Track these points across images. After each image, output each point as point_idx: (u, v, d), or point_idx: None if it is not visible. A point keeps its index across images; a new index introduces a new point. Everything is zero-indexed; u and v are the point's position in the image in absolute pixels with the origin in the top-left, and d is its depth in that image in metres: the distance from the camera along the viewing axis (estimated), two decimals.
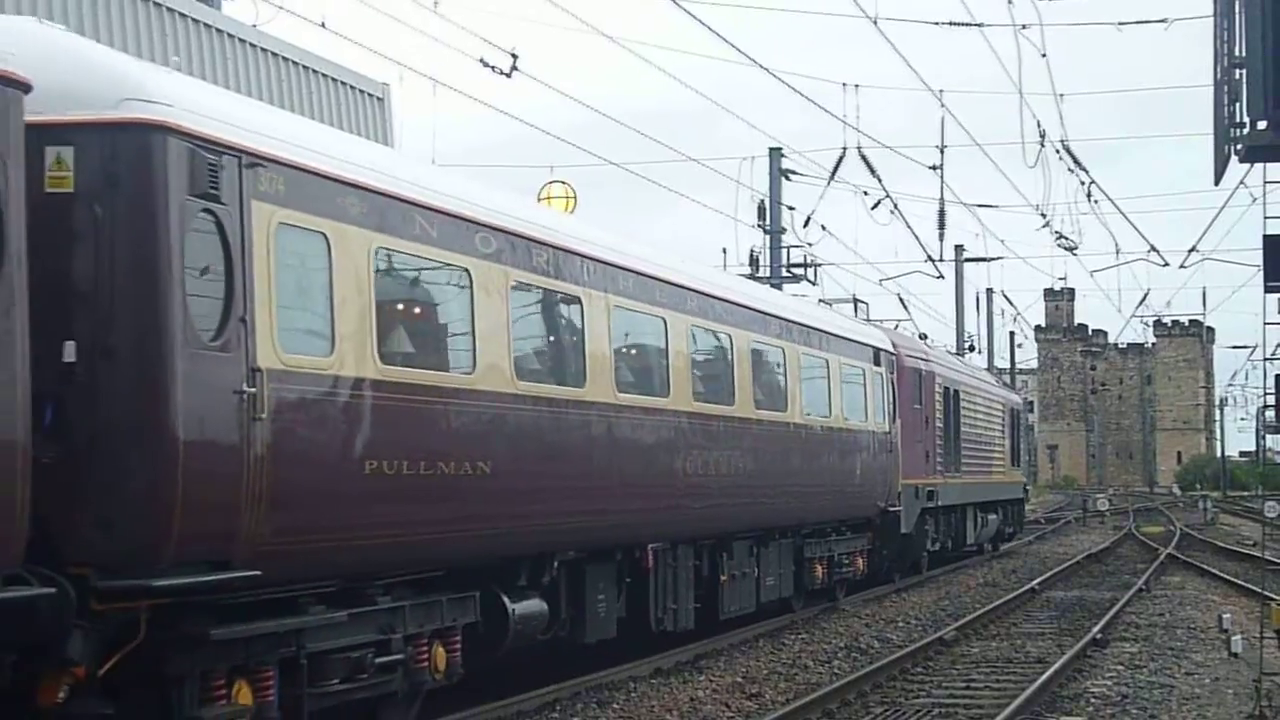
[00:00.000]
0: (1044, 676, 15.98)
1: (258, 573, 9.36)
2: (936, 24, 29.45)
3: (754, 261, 37.20)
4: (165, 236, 8.86)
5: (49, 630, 8.23)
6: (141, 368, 8.74)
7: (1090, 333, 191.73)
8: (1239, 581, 28.84)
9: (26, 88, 8.03)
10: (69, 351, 8.51)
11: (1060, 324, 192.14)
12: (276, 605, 10.09)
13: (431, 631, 11.98)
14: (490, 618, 12.91)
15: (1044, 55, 30.15)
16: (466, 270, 12.14)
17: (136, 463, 8.66)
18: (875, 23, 25.07)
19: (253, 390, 9.37)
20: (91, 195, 8.64)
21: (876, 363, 25.56)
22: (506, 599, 13.09)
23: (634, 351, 15.72)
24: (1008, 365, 77.90)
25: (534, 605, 13.56)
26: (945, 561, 33.58)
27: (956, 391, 33.63)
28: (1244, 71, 12.14)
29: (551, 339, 14.05)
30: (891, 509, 26.06)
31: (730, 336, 18.28)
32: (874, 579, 27.05)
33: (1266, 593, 21.20)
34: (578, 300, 14.19)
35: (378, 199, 10.94)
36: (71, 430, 8.48)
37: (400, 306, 11.52)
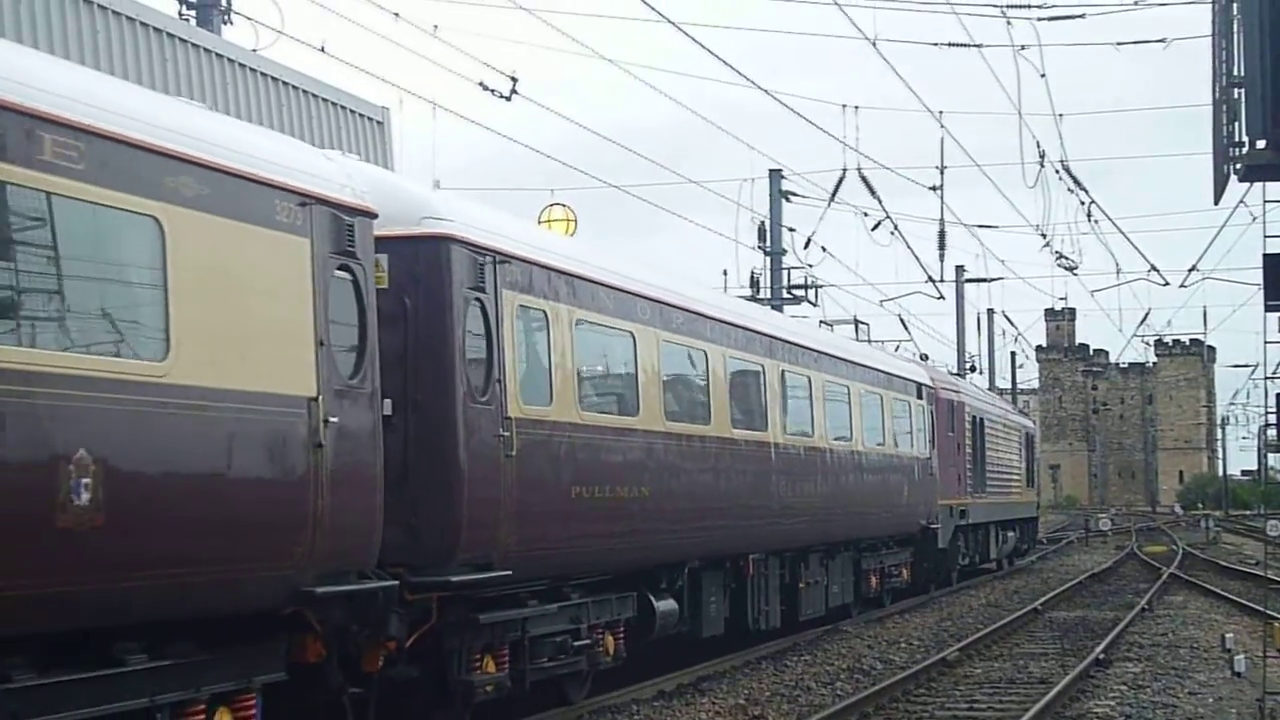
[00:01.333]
0: (1047, 697, 16.13)
1: (509, 572, 12.59)
2: (935, 45, 29.24)
3: (755, 283, 37.59)
4: (452, 319, 12.10)
5: (380, 613, 11.37)
6: (437, 417, 11.94)
7: (1091, 352, 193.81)
8: (1242, 601, 29.23)
9: (375, 215, 11.23)
10: (388, 407, 11.65)
11: (1061, 344, 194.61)
12: (504, 600, 13.28)
13: (605, 623, 15.24)
14: (640, 614, 16.16)
15: (1043, 75, 29.92)
16: (631, 334, 15.44)
17: (436, 489, 11.85)
18: (874, 44, 25.16)
19: (506, 434, 12.60)
20: (401, 289, 11.82)
21: (919, 396, 29.00)
22: (653, 599, 16.35)
23: (741, 393, 19.00)
24: (1009, 386, 79.19)
25: (670, 605, 16.82)
26: (969, 575, 36.89)
27: (982, 420, 37.09)
28: (1243, 91, 12.28)
29: (686, 386, 17.32)
30: (931, 526, 29.50)
31: (810, 379, 21.63)
32: (915, 589, 30.35)
33: (1269, 612, 21.52)
34: (704, 353, 17.50)
35: (577, 281, 14.26)
36: (390, 465, 11.63)
37: (589, 363, 14.76)
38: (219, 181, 9.51)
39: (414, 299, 11.83)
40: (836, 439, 22.78)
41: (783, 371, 20.33)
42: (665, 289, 16.71)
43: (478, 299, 12.43)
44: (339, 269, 10.67)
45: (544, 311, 13.60)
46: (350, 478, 10.55)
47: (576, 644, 14.51)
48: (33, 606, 8.16)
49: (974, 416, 36.06)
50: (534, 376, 13.36)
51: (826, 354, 22.91)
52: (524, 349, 13.22)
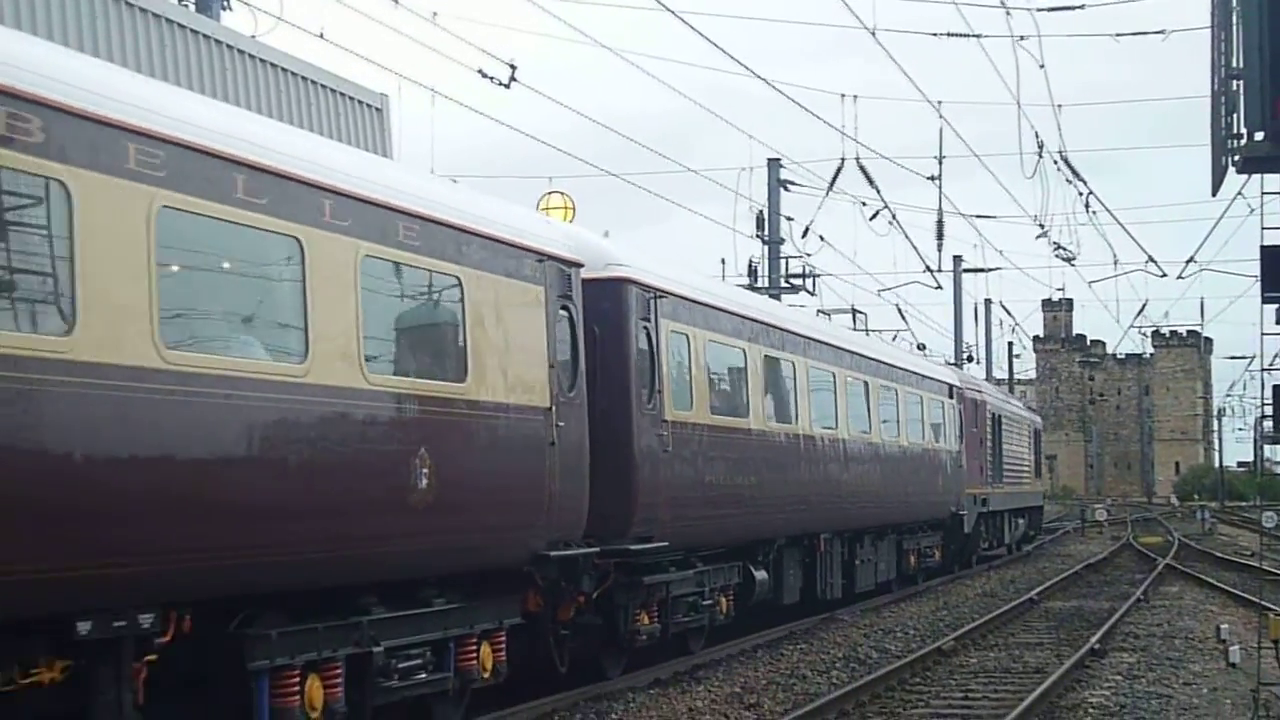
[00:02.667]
0: (1042, 687, 16.37)
1: (666, 544, 16.18)
2: (934, 35, 29.35)
3: (753, 272, 38.11)
4: (629, 343, 15.68)
5: (580, 573, 14.90)
6: (618, 422, 15.49)
7: (1088, 343, 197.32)
8: (1237, 592, 29.41)
9: (582, 265, 14.78)
10: None
11: (1058, 334, 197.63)
12: (654, 566, 16.82)
13: (720, 587, 18.84)
14: (743, 581, 19.77)
15: (1042, 66, 29.35)
16: (743, 350, 19.06)
17: (616, 478, 15.38)
18: (874, 34, 25.27)
19: (664, 434, 16.19)
20: (592, 320, 15.33)
21: (950, 396, 32.75)
22: (752, 569, 19.96)
23: (817, 396, 22.60)
24: (1006, 376, 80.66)
25: (764, 575, 20.44)
26: (984, 560, 40.56)
27: (999, 416, 40.87)
28: (1241, 82, 12.32)
29: (779, 391, 20.92)
30: (960, 513, 33.19)
31: (867, 383, 25.29)
32: (944, 570, 34.05)
33: (1264, 603, 21.43)
34: (791, 364, 21.12)
35: (707, 309, 17.88)
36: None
37: (715, 375, 18.36)
38: (494, 248, 13.07)
39: (601, 327, 15.34)
40: (887, 435, 26.49)
41: (847, 378, 24.02)
42: (764, 311, 20.47)
43: (644, 326, 16.02)
44: (561, 308, 14.23)
45: (686, 334, 17.21)
46: (570, 468, 14.10)
47: (703, 603, 18.13)
48: (390, 559, 11.70)
49: (993, 414, 39.85)
50: (680, 387, 16.95)
51: (879, 361, 26.71)
52: (674, 365, 16.80)
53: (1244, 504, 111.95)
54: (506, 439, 13.06)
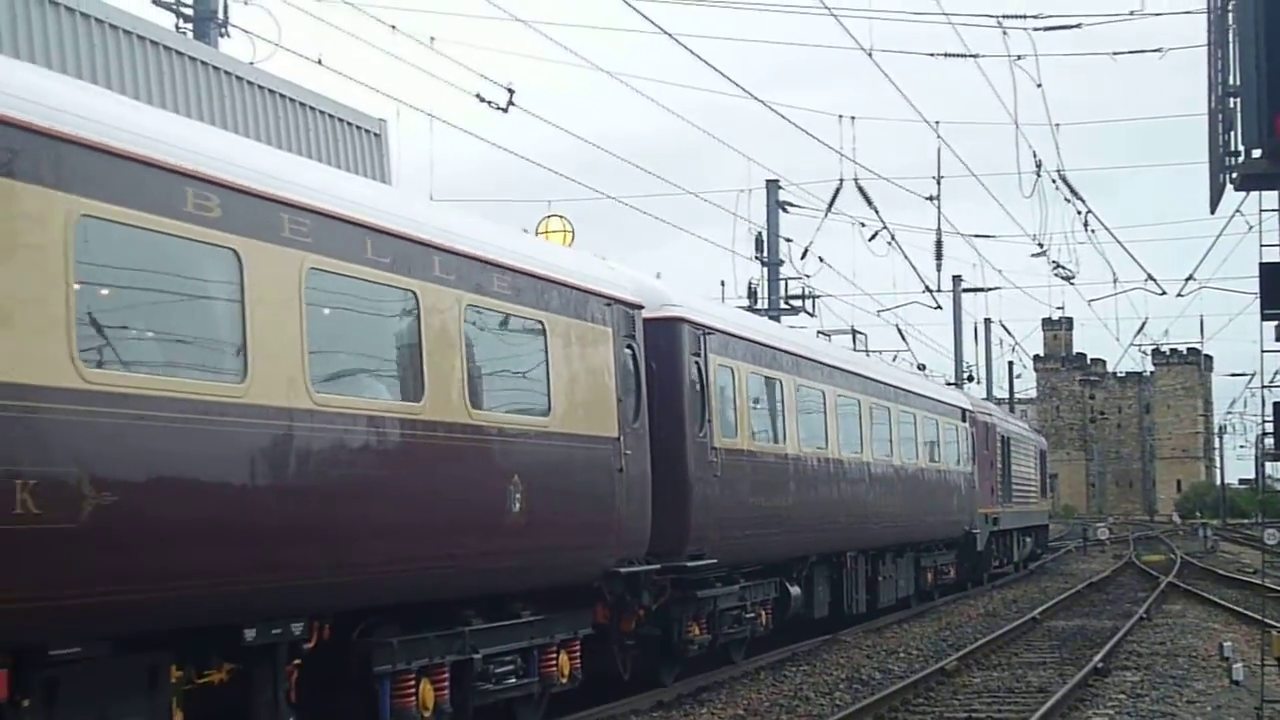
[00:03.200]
0: (1046, 706, 16.48)
1: (716, 561, 17.65)
2: (931, 55, 29.48)
3: (752, 294, 38.35)
4: (683, 377, 17.19)
5: (642, 588, 16.36)
6: (674, 448, 16.98)
7: (1089, 362, 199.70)
8: (1240, 609, 29.50)
9: (643, 307, 16.28)
10: None
11: (1058, 353, 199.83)
12: (703, 582, 18.28)
13: (760, 601, 20.32)
14: (779, 596, 21.25)
15: (1039, 86, 29.56)
16: (779, 380, 20.59)
17: (673, 500, 16.86)
18: (870, 55, 25.48)
19: (714, 459, 17.68)
20: (650, 356, 16.81)
21: (963, 419, 34.29)
22: (788, 585, 21.44)
23: (845, 421, 24.12)
24: (1007, 395, 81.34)
25: (797, 590, 21.91)
26: (995, 577, 42.02)
27: (1008, 438, 42.44)
28: (1238, 100, 12.38)
29: (811, 418, 22.45)
30: (973, 532, 34.69)
31: (889, 409, 26.83)
32: (959, 586, 35.55)
33: (1267, 620, 21.63)
34: (821, 393, 22.76)
35: (749, 343, 19.42)
36: None
37: (756, 404, 19.86)
38: (570, 295, 14.58)
39: (658, 362, 16.82)
40: (907, 458, 28.02)
41: (870, 404, 25.56)
42: (796, 344, 22.07)
43: (695, 361, 17.53)
44: (626, 346, 15.74)
45: (731, 368, 18.72)
46: (635, 493, 15.59)
47: (745, 616, 19.63)
48: (488, 576, 13.17)
49: (1003, 436, 41.43)
50: (727, 415, 18.47)
51: (898, 387, 28.27)
52: (721, 396, 18.31)
53: (1246, 521, 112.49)
54: (583, 467, 14.55)
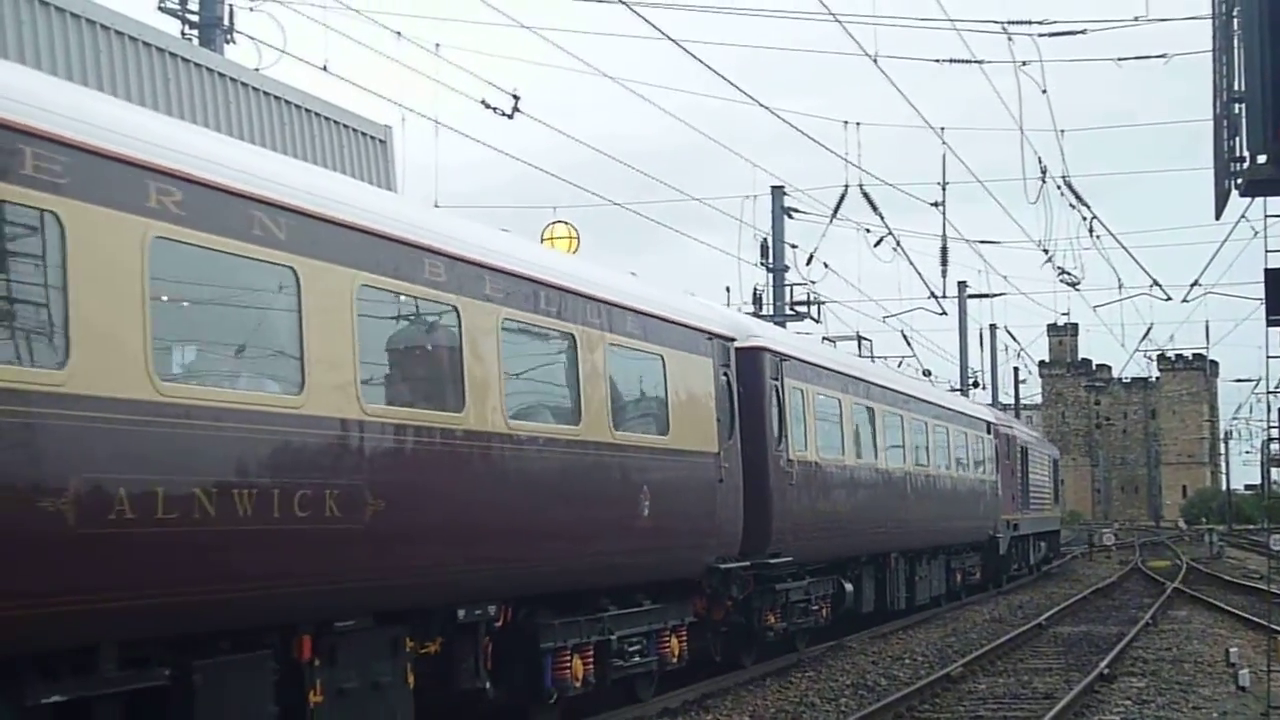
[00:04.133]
0: (1052, 712, 16.72)
1: (791, 559, 20.48)
2: (936, 61, 29.72)
3: (757, 299, 38.92)
4: (765, 398, 20.02)
5: (732, 582, 19.17)
6: (759, 461, 19.80)
7: (1094, 367, 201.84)
8: (1246, 615, 29.95)
9: (735, 340, 19.12)
10: None
11: (1064, 359, 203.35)
12: (776, 577, 21.09)
13: (822, 595, 23.16)
14: (836, 592, 24.10)
15: (1044, 91, 29.65)
16: (839, 399, 23.44)
17: (759, 505, 19.67)
18: (875, 60, 25.83)
19: (789, 470, 20.50)
20: (741, 379, 19.62)
21: (988, 432, 37.24)
22: (844, 582, 24.29)
23: (890, 436, 27.01)
24: (1012, 401, 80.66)
25: (850, 587, 24.73)
26: (1013, 578, 44.89)
27: (1025, 449, 45.47)
28: (1243, 106, 12.49)
29: (863, 431, 25.32)
30: (996, 536, 37.61)
31: (926, 423, 29.70)
32: (983, 587, 38.47)
33: (1274, 626, 21.86)
34: (869, 409, 25.61)
35: (814, 367, 22.32)
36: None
37: (821, 421, 22.72)
38: (681, 331, 17.41)
39: (745, 386, 19.62)
40: (941, 468, 30.94)
41: (910, 419, 28.48)
42: (851, 366, 25.01)
43: (774, 384, 20.38)
44: (722, 373, 18.56)
45: (801, 390, 21.58)
46: (730, 500, 18.41)
47: (811, 608, 22.48)
48: (622, 570, 15.97)
49: (1021, 447, 44.43)
50: (797, 431, 21.31)
51: (933, 403, 31.24)
52: (794, 414, 21.15)
53: (1252, 527, 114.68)
54: (692, 478, 17.38)
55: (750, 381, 19.78)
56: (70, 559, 8.78)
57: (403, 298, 12.24)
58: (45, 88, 9.48)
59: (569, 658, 15.07)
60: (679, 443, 17.03)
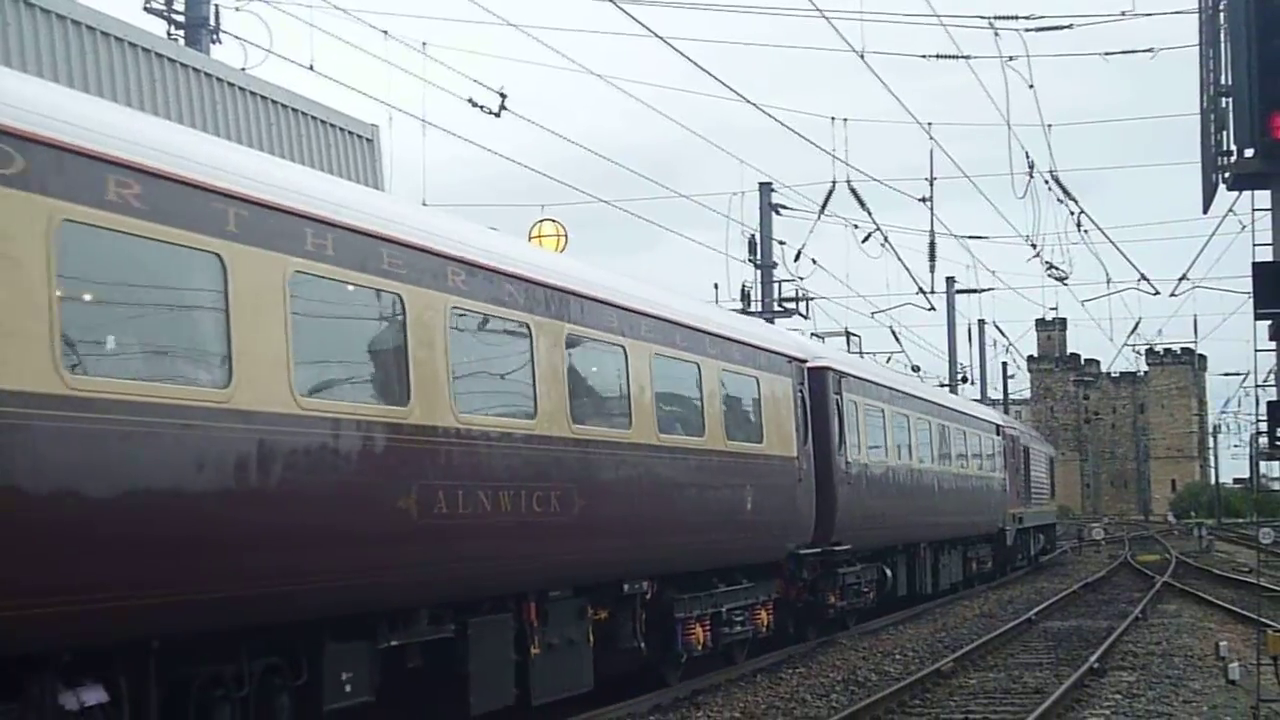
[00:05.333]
0: (1042, 707, 17.00)
1: (850, 547, 24.57)
2: (924, 57, 30.19)
3: (745, 296, 39.53)
4: (830, 410, 24.11)
5: (803, 566, 23.20)
6: (824, 463, 23.85)
7: (1083, 362, 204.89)
8: (1235, 609, 30.45)
9: (806, 360, 23.20)
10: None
11: (1052, 354, 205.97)
12: (834, 563, 25.13)
13: (869, 579, 27.27)
14: (879, 578, 28.22)
15: (1031, 86, 30.26)
16: (883, 410, 27.55)
17: (824, 501, 23.70)
18: (863, 57, 26.16)
19: (848, 471, 24.59)
20: (809, 392, 23.60)
21: (996, 433, 41.49)
22: (885, 569, 28.40)
23: (921, 438, 31.16)
24: (1001, 396, 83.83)
25: (889, 573, 28.83)
26: (1016, 568, 48.87)
27: (1027, 449, 49.80)
28: (1230, 100, 12.82)
29: (903, 437, 29.43)
30: (1004, 529, 41.87)
31: (947, 427, 33.98)
32: (992, 576, 42.74)
33: (1263, 619, 21.88)
34: (907, 416, 29.70)
35: (865, 382, 26.43)
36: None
37: (869, 427, 26.81)
38: (770, 356, 21.44)
39: (812, 399, 23.59)
40: (960, 467, 35.17)
41: (936, 423, 32.78)
42: (894, 380, 29.15)
43: (835, 398, 24.43)
44: (798, 390, 22.60)
45: (855, 401, 25.65)
46: (805, 496, 22.45)
47: (861, 590, 26.58)
48: (730, 554, 19.97)
49: (1024, 447, 48.77)
50: (853, 438, 25.38)
51: (952, 409, 35.61)
52: (850, 423, 25.22)
53: (1241, 520, 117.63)
54: (778, 477, 21.42)
55: (818, 396, 23.81)
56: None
57: (590, 340, 16.22)
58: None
59: (694, 626, 19.10)
60: (771, 449, 21.06)
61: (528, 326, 14.78)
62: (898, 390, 29.57)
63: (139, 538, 9.70)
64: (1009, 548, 44.08)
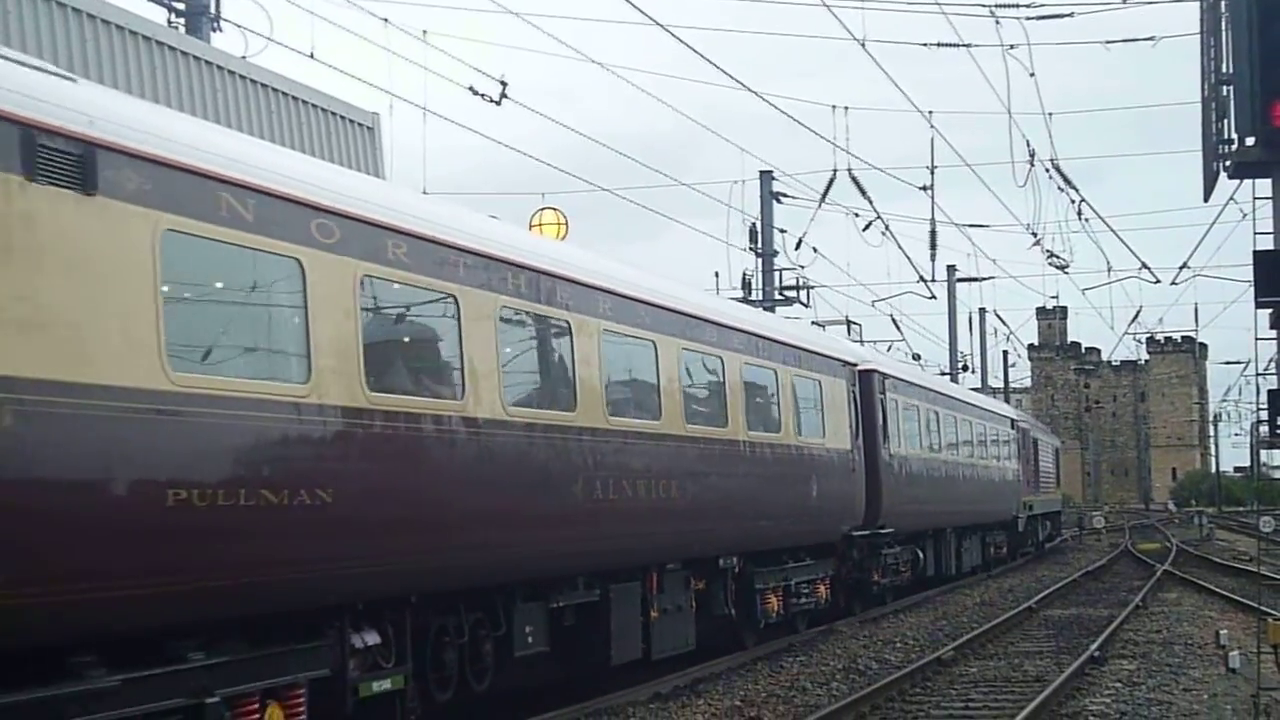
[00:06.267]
0: (1042, 695, 17.21)
1: (893, 530, 28.11)
2: (924, 45, 30.39)
3: (746, 285, 40.22)
4: (876, 408, 27.62)
5: (853, 546, 26.69)
6: (872, 455, 27.34)
7: (1083, 350, 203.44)
8: (1236, 597, 30.98)
9: (857, 364, 26.71)
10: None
11: (1053, 342, 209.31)
12: (876, 544, 28.63)
13: (905, 560, 30.81)
14: (913, 559, 31.77)
15: (1032, 75, 30.52)
16: (918, 406, 31.08)
17: (872, 488, 27.14)
18: (863, 45, 26.67)
19: (891, 462, 28.13)
20: (859, 392, 27.01)
21: (1011, 427, 45.27)
22: (918, 551, 31.95)
23: (948, 433, 34.75)
24: (1002, 385, 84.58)
25: (922, 555, 32.39)
26: (1025, 553, 52.24)
27: (1036, 440, 53.58)
28: (1231, 88, 12.89)
29: (936, 431, 33.02)
30: (1017, 516, 45.58)
31: (971, 422, 37.67)
32: (1006, 559, 46.43)
33: (1263, 608, 22.17)
34: (937, 413, 33.29)
35: (905, 383, 30.09)
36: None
37: (909, 423, 30.31)
38: (830, 362, 24.93)
39: (862, 398, 27.03)
40: (982, 459, 38.85)
41: (963, 419, 36.40)
42: (927, 380, 32.90)
43: (880, 398, 27.93)
44: (851, 390, 26.07)
45: (898, 400, 29.15)
46: (857, 484, 25.91)
47: (899, 570, 30.11)
48: (797, 535, 23.43)
49: (1034, 439, 52.52)
50: (896, 433, 28.87)
51: (979, 406, 39.53)
52: (892, 419, 28.72)
53: (1241, 509, 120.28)
54: (837, 468, 24.86)
55: (867, 396, 27.26)
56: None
57: (698, 353, 19.69)
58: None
59: (770, 596, 22.57)
60: (831, 443, 24.54)
61: (653, 344, 18.23)
62: (930, 389, 33.16)
63: (410, 520, 13.03)
64: (1021, 533, 47.75)
